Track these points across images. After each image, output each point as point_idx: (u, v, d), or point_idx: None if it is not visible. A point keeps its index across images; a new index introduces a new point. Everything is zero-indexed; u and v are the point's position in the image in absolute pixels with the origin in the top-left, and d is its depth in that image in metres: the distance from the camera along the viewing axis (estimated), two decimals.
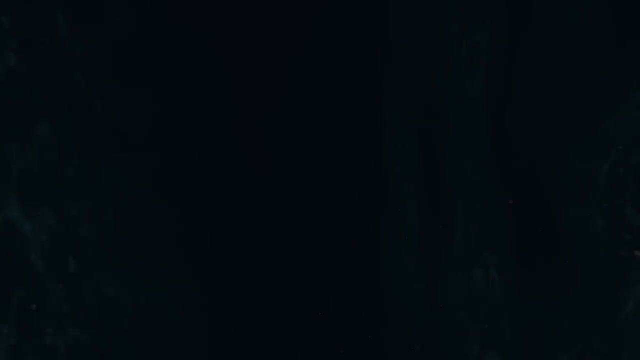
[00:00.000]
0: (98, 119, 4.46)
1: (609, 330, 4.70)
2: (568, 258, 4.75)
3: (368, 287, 4.96)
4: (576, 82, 4.65)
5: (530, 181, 4.79)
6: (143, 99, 4.58)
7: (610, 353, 4.70)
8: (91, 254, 4.49)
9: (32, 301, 4.34)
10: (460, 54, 4.73)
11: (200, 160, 4.77)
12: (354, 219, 4.94)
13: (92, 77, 4.42)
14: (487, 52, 4.68)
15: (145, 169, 4.63)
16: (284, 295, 4.92)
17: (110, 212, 4.53)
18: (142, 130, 4.60)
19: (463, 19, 4.69)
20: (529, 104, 4.73)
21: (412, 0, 4.71)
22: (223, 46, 4.72)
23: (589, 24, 4.59)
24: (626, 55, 4.57)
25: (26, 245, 4.32)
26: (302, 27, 4.75)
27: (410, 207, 4.90)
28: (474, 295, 4.87)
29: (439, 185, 4.88)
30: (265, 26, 4.74)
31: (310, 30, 4.75)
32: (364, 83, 4.83)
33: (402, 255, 4.93)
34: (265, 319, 4.92)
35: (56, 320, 4.39)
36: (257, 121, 4.82)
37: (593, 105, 4.63)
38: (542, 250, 4.79)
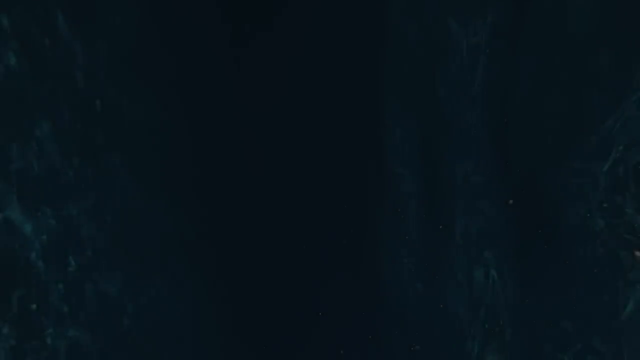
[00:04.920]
0: (98, 119, 4.46)
1: (609, 330, 4.70)
2: (568, 258, 4.75)
3: (368, 286, 4.96)
4: (576, 82, 4.66)
5: (530, 181, 4.79)
6: (143, 99, 4.58)
7: (610, 353, 4.71)
8: (91, 254, 4.49)
9: (32, 301, 4.34)
10: (460, 54, 4.73)
11: (200, 160, 4.77)
12: (354, 218, 4.94)
13: (92, 77, 4.42)
14: (487, 52, 4.68)
15: (145, 169, 4.63)
16: (283, 295, 4.92)
17: (110, 212, 4.53)
18: (142, 130, 4.60)
19: (463, 19, 4.69)
20: (529, 104, 4.73)
21: (412, 1, 4.71)
22: (223, 46, 4.71)
23: (589, 25, 4.59)
24: (626, 55, 4.57)
25: (26, 245, 4.32)
26: (302, 27, 4.74)
27: (410, 207, 4.90)
28: (474, 295, 4.87)
29: (439, 185, 4.88)
30: (265, 24, 4.73)
31: (311, 31, 4.75)
32: (365, 83, 4.83)
33: (402, 255, 4.93)
34: (264, 319, 4.91)
35: (56, 320, 4.39)
36: (257, 120, 4.82)
37: (593, 105, 4.63)
38: (542, 250, 4.79)
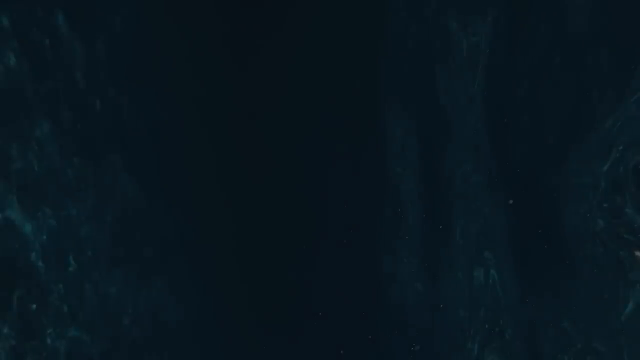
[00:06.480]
0: (98, 119, 4.46)
1: (609, 330, 4.70)
2: (568, 258, 4.75)
3: (368, 287, 4.96)
4: (576, 82, 4.65)
5: (530, 181, 4.79)
6: (143, 99, 4.58)
7: (610, 353, 4.71)
8: (91, 254, 4.49)
9: (32, 301, 4.34)
10: (460, 54, 4.73)
11: (200, 160, 4.77)
12: (354, 218, 4.94)
13: (92, 77, 4.42)
14: (487, 52, 4.69)
15: (145, 168, 4.63)
16: (283, 295, 4.92)
17: (110, 212, 4.53)
18: (141, 130, 4.60)
19: (463, 19, 4.69)
20: (529, 104, 4.73)
21: (412, 0, 4.71)
22: (223, 46, 4.71)
23: (589, 25, 4.59)
24: (626, 55, 4.57)
25: (26, 245, 4.32)
26: (303, 28, 4.75)
27: (410, 207, 4.90)
28: (474, 295, 4.87)
29: (439, 185, 4.88)
30: (265, 25, 4.73)
31: (311, 32, 4.75)
32: (364, 83, 4.83)
33: (402, 255, 4.93)
34: (265, 319, 4.91)
35: (56, 320, 4.39)
36: (257, 120, 4.82)
37: (593, 105, 4.63)
38: (542, 250, 4.79)
